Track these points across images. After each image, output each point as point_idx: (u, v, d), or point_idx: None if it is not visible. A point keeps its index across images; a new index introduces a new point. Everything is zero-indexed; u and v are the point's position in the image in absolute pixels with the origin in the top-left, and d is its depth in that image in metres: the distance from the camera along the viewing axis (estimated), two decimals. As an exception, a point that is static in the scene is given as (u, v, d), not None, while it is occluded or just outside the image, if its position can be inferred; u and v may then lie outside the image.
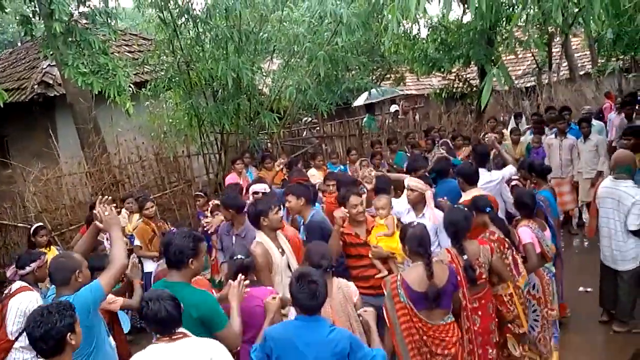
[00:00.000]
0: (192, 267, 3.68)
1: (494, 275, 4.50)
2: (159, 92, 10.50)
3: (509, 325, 4.62)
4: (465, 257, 4.25)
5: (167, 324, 3.12)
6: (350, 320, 4.02)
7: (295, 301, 3.37)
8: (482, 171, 6.25)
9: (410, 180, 5.35)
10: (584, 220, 9.03)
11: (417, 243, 4.01)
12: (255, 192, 6.34)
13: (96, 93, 8.01)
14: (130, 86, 8.79)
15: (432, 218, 5.14)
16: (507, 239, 4.75)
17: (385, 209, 5.18)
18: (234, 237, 5.62)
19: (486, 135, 8.08)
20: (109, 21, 7.88)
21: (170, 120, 11.07)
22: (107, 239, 6.65)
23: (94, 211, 4.02)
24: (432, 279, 3.89)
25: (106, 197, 4.13)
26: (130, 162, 10.63)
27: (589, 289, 6.99)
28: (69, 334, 2.96)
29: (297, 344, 3.28)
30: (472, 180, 5.80)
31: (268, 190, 6.43)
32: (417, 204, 5.34)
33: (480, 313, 4.34)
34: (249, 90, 10.36)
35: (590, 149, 8.75)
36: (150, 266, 6.69)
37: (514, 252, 4.77)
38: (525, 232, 5.14)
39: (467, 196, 5.60)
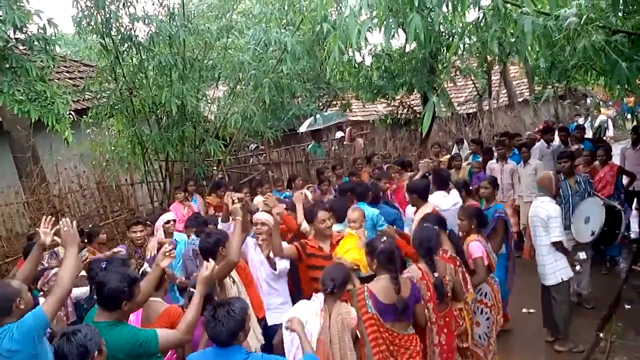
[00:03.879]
0: (125, 309, 3.59)
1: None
2: (100, 120, 10.26)
3: (462, 346, 4.81)
4: (436, 274, 4.41)
5: None
6: (345, 349, 3.97)
7: (206, 329, 3.38)
8: (443, 194, 6.51)
9: (260, 215, 5.38)
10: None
11: (387, 258, 4.11)
12: (167, 222, 6.69)
13: (33, 121, 7.77)
14: (70, 113, 8.56)
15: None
16: (458, 257, 4.92)
17: (357, 222, 5.48)
18: (198, 261, 5.59)
19: (421, 161, 8.32)
20: (48, 48, 7.67)
21: (113, 148, 10.81)
22: (46, 261, 6.40)
23: (60, 225, 3.85)
24: (400, 293, 4.00)
25: (67, 219, 3.93)
26: (71, 191, 10.32)
27: (531, 310, 7.18)
28: None
29: None
30: (425, 196, 6.17)
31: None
32: (268, 237, 5.34)
33: (446, 330, 4.49)
34: (193, 117, 10.26)
35: (530, 172, 9.03)
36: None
37: (464, 270, 4.95)
38: (476, 246, 5.39)
39: (424, 210, 5.94)
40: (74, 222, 3.87)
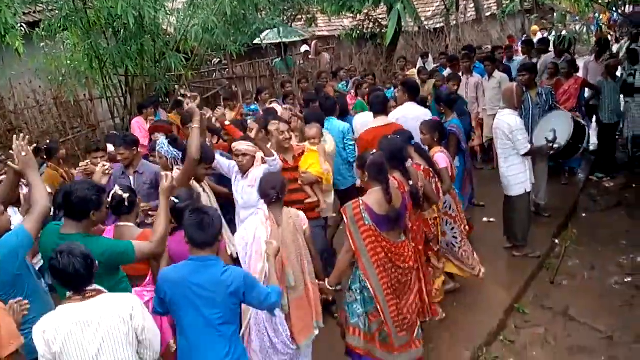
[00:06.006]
0: (93, 218, 3.54)
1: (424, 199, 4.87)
2: (54, 32, 9.78)
3: (430, 244, 5.08)
4: (411, 182, 4.55)
5: (79, 281, 2.92)
6: (300, 249, 4.17)
7: (186, 233, 3.32)
8: (413, 104, 6.55)
9: (240, 145, 5.21)
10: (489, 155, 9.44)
11: (377, 170, 4.17)
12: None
13: (-19, 33, 7.37)
14: (22, 26, 8.16)
15: (253, 180, 5.05)
16: (431, 169, 5.13)
17: (316, 138, 5.58)
18: (131, 177, 5.54)
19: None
20: (-9, -47, 7.17)
21: (69, 62, 10.38)
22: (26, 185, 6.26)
23: (10, 151, 3.71)
24: (392, 203, 4.12)
25: (23, 134, 3.76)
26: (27, 107, 9.99)
27: (492, 219, 7.39)
28: None
29: (190, 285, 3.23)
30: (380, 109, 6.16)
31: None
32: (248, 168, 5.18)
33: (418, 237, 4.69)
34: (152, 29, 9.85)
35: (494, 86, 9.05)
36: None
37: (437, 181, 5.18)
38: (442, 157, 5.54)
39: (376, 123, 6.03)
40: (26, 145, 3.70)
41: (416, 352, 4.46)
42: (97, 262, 3.03)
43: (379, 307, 4.20)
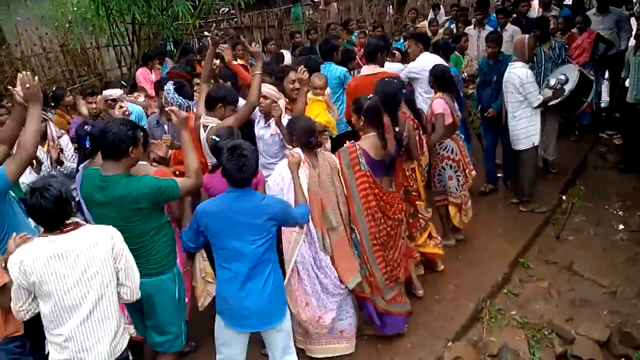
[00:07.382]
0: (132, 155, 3.43)
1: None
2: (60, -23, 9.65)
3: (414, 194, 4.97)
4: (397, 129, 4.50)
5: (52, 220, 2.90)
6: (337, 190, 4.16)
7: (225, 172, 3.37)
8: (428, 54, 6.56)
9: (263, 87, 5.07)
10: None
11: (373, 115, 4.19)
12: (106, 100, 6.01)
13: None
14: (27, -30, 8.03)
15: (275, 129, 4.95)
16: (416, 120, 4.99)
17: (322, 88, 5.56)
18: (165, 126, 5.47)
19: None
20: None
21: (75, 9, 10.25)
22: None
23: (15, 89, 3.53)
24: (387, 148, 4.16)
25: (26, 73, 3.56)
26: (34, 54, 9.90)
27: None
28: None
29: (232, 214, 3.34)
30: (371, 58, 6.00)
31: (119, 94, 6.08)
32: (269, 112, 5.03)
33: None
34: (159, -25, 9.67)
35: (507, 39, 8.86)
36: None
37: (421, 133, 5.06)
38: (439, 103, 5.44)
39: (366, 71, 5.93)
40: (36, 77, 3.56)
41: (404, 306, 4.56)
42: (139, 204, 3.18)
43: (365, 256, 4.25)
